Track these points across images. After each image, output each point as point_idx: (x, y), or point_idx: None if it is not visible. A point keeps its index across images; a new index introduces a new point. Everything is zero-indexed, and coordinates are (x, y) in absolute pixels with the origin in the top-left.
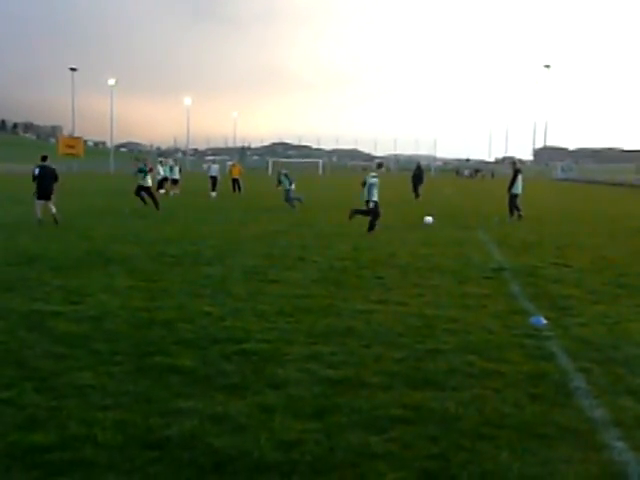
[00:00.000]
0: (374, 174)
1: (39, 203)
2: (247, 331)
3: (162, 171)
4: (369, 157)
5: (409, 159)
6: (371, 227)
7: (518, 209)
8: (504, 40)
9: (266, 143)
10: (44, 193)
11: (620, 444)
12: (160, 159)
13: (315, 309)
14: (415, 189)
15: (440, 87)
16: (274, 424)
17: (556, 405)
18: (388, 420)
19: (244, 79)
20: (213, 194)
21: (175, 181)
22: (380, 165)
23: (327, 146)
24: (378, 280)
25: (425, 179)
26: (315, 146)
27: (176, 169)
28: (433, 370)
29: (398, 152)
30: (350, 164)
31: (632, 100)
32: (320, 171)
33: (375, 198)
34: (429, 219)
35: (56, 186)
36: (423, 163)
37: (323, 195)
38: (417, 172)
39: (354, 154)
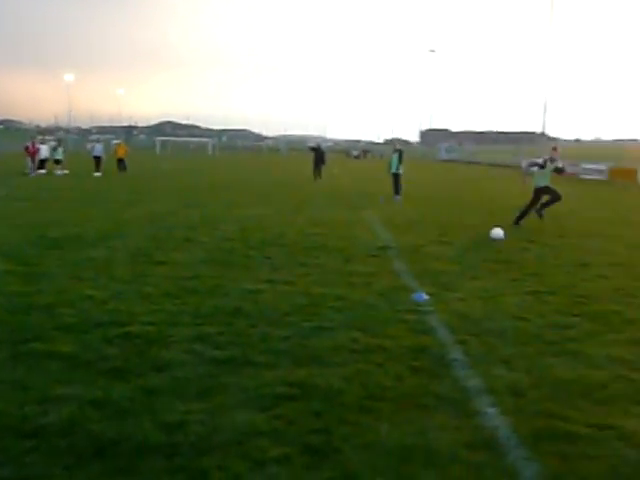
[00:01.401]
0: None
1: None
2: (131, 314)
3: (45, 151)
4: (260, 137)
5: (300, 140)
6: (522, 216)
7: (398, 191)
8: (392, 25)
9: (153, 122)
10: None
11: (491, 410)
12: (41, 138)
13: (202, 290)
14: (316, 170)
15: (330, 69)
16: (157, 406)
17: (435, 377)
18: (273, 398)
19: (126, 55)
20: (97, 174)
21: (58, 161)
22: (553, 159)
23: (217, 126)
24: (266, 260)
25: (326, 160)
26: (204, 125)
27: (60, 149)
28: (318, 347)
29: (288, 133)
30: (241, 144)
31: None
32: (210, 151)
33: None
34: (499, 232)
35: None
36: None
37: (212, 176)
38: (319, 153)
39: (245, 134)
